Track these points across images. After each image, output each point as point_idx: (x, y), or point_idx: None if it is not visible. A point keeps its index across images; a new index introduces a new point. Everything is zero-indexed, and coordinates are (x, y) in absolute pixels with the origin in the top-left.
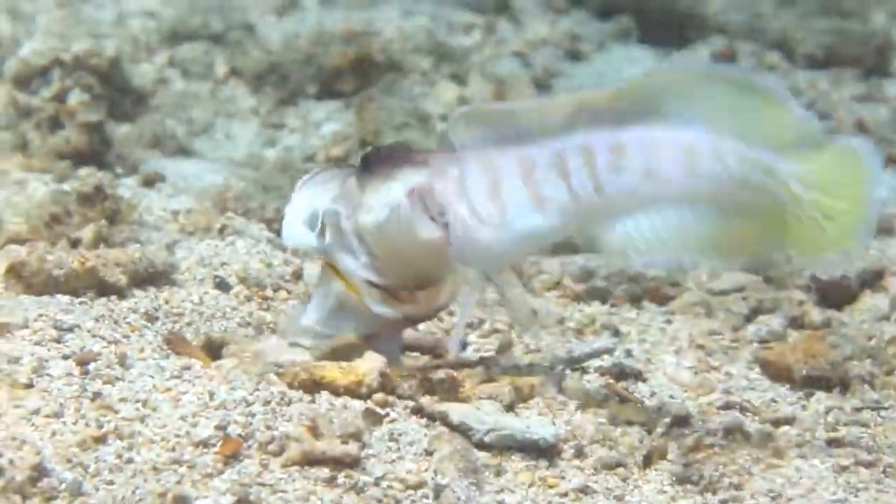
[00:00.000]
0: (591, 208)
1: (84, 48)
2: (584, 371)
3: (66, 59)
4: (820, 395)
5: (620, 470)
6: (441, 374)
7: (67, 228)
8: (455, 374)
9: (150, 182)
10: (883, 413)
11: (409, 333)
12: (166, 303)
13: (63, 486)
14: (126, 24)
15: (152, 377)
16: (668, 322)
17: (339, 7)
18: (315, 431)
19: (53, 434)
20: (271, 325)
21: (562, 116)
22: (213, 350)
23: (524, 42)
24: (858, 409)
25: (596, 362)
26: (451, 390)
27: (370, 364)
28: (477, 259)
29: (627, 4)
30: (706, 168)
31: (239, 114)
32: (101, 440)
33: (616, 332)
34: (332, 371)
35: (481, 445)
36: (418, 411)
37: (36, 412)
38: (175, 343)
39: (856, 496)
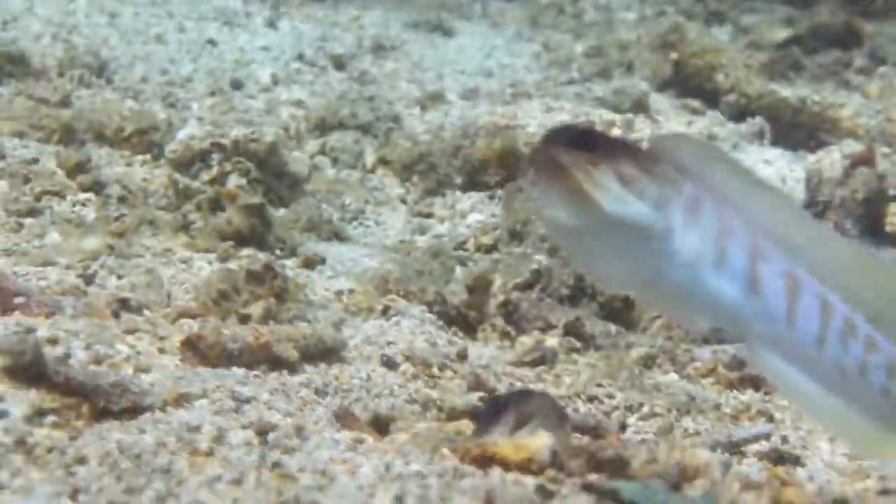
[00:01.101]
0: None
1: (243, 133)
2: (743, 455)
3: (225, 144)
4: None
5: None
6: (610, 452)
7: (235, 305)
8: (623, 452)
9: (310, 264)
10: None
11: (571, 415)
12: (336, 379)
13: None
14: (276, 113)
15: (328, 449)
16: None
17: (482, 101)
18: None
19: (235, 501)
20: (437, 403)
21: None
22: (380, 426)
23: None
24: None
25: (754, 447)
26: (619, 468)
27: (542, 441)
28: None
29: (760, 107)
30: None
31: (388, 202)
32: None
33: (771, 419)
34: (505, 447)
35: None
36: (588, 488)
37: (217, 479)
38: (344, 418)
39: None
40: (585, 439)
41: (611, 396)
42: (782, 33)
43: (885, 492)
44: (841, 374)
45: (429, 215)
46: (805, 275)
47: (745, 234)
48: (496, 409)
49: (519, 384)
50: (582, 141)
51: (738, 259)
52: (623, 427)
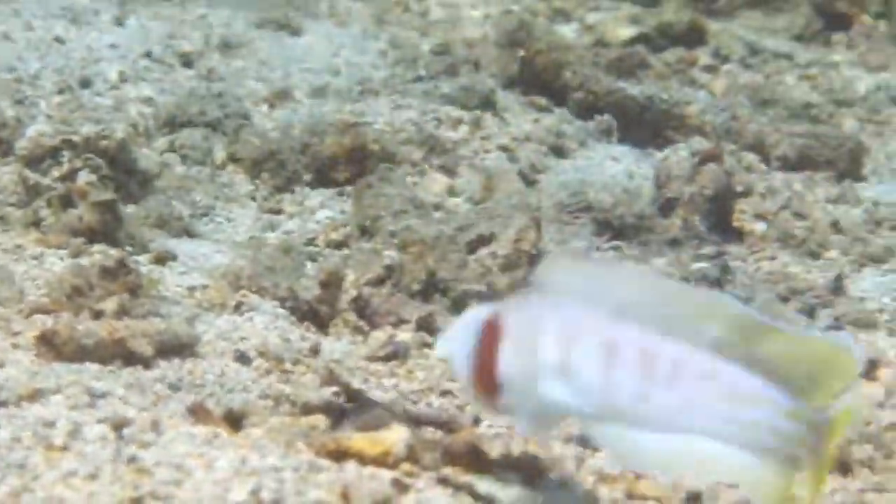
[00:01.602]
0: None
1: (94, 130)
2: (596, 449)
3: (75, 141)
4: None
5: None
6: (464, 445)
7: (89, 301)
8: (477, 446)
9: (162, 260)
10: (886, 495)
11: (423, 409)
12: (190, 374)
13: None
14: (125, 110)
15: (184, 443)
16: None
17: (330, 99)
18: (346, 498)
19: (91, 495)
20: (291, 398)
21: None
22: (234, 421)
23: (509, 137)
24: (863, 491)
25: None
26: (473, 462)
27: (397, 435)
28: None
29: (608, 105)
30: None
31: (238, 198)
32: (137, 502)
33: None
34: (360, 441)
35: None
36: (444, 481)
37: (73, 474)
38: (199, 413)
39: None
40: (439, 434)
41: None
42: (628, 31)
43: (735, 485)
44: (687, 414)
45: (278, 212)
46: (622, 334)
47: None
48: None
49: (373, 379)
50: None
51: (549, 357)
52: (477, 421)
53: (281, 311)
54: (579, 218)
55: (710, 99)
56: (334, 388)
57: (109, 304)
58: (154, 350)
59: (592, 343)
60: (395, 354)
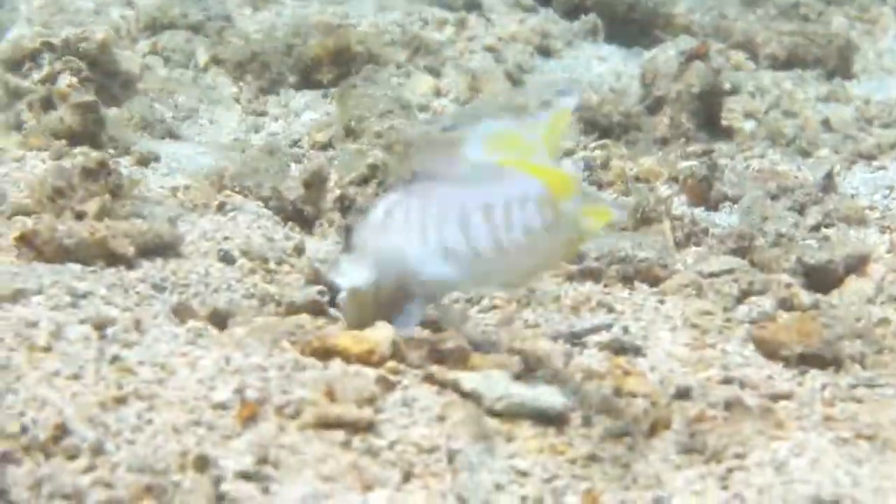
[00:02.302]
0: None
1: (74, 33)
2: (584, 346)
3: (55, 44)
4: (814, 372)
5: (626, 439)
6: (451, 343)
7: (70, 202)
8: (465, 343)
9: (144, 162)
10: (877, 390)
11: None
12: (173, 274)
13: (85, 444)
14: (106, 13)
15: (168, 343)
16: (661, 302)
17: (313, 1)
18: (331, 396)
19: (74, 395)
20: (276, 298)
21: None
22: (220, 320)
23: (495, 38)
24: (853, 386)
25: (594, 338)
26: (460, 360)
27: (382, 333)
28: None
29: (594, 4)
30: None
31: (222, 101)
32: (121, 401)
33: (611, 310)
34: (345, 339)
35: (492, 412)
36: (430, 379)
37: (56, 374)
38: (183, 313)
39: (859, 467)
40: (426, 332)
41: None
42: None
43: (727, 381)
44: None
45: (263, 114)
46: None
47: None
48: None
49: None
50: None
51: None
52: (464, 319)
53: (265, 210)
54: None
55: None
56: (319, 287)
57: (91, 206)
58: (136, 250)
59: (453, 221)
60: None
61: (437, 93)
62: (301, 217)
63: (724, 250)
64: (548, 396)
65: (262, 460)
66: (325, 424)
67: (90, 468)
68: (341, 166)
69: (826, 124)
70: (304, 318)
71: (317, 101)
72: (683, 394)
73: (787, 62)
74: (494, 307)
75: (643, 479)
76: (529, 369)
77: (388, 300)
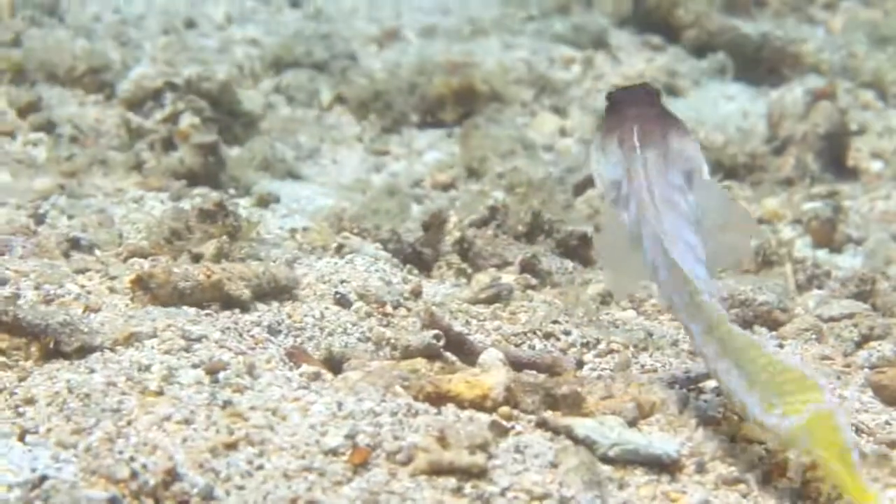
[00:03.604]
0: None
1: (196, 72)
2: (701, 391)
3: (178, 83)
4: None
5: (741, 486)
6: (565, 389)
7: (188, 244)
8: (578, 389)
9: (264, 202)
10: None
11: (526, 352)
12: (289, 317)
13: (195, 490)
14: (230, 51)
15: (280, 387)
16: (780, 346)
17: (439, 39)
18: (443, 442)
19: (185, 440)
20: (391, 341)
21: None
22: (334, 364)
23: (622, 77)
24: None
25: (712, 383)
26: (574, 405)
27: (496, 378)
28: None
29: (722, 43)
30: None
31: (344, 140)
32: (232, 447)
33: None
34: (458, 385)
35: (605, 459)
36: (543, 425)
37: (167, 419)
38: (297, 356)
39: None
40: (542, 377)
41: (567, 333)
42: None
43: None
44: None
45: (385, 153)
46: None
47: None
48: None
49: (474, 322)
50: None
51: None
52: (580, 364)
53: (383, 253)
54: None
55: (827, 36)
56: (435, 332)
57: (208, 248)
58: (252, 293)
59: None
60: (498, 296)
61: (562, 133)
62: (419, 259)
63: (846, 294)
64: (662, 443)
65: None
66: (437, 471)
67: None
68: (462, 208)
69: None
70: (419, 361)
71: (440, 141)
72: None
73: None
74: (611, 351)
75: None
76: (644, 415)
77: None
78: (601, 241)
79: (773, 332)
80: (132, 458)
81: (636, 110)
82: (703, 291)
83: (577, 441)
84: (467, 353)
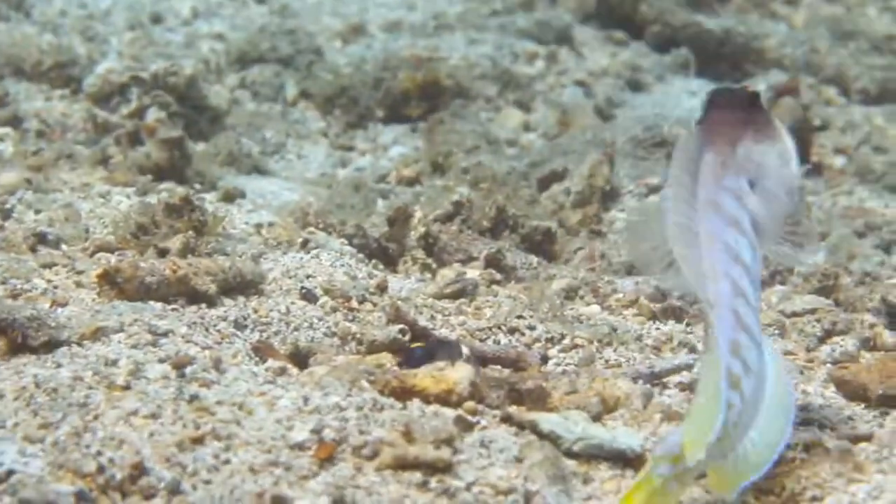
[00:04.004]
0: None
1: (162, 67)
2: (665, 386)
3: (144, 78)
4: None
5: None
6: (530, 384)
7: (154, 238)
8: (543, 384)
9: (230, 197)
10: None
11: (491, 347)
12: (255, 312)
13: (162, 484)
14: (196, 46)
15: (247, 382)
16: None
17: (404, 34)
18: (408, 436)
19: (152, 434)
20: (357, 336)
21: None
22: (300, 359)
23: (586, 72)
24: None
25: (675, 378)
26: (539, 400)
27: (461, 373)
28: None
29: (685, 38)
30: None
31: (310, 135)
32: (198, 441)
33: (693, 350)
34: (424, 379)
35: (570, 454)
36: (508, 419)
37: (134, 413)
38: (264, 351)
39: None
40: (506, 371)
41: (532, 328)
42: None
43: (806, 422)
44: None
45: (350, 148)
46: None
47: None
48: (420, 361)
49: (440, 317)
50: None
51: None
52: (545, 359)
53: (348, 248)
54: (654, 153)
55: (790, 31)
56: (400, 326)
57: (174, 243)
58: (218, 288)
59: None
60: (463, 292)
61: (526, 127)
62: (385, 254)
63: (809, 289)
64: (626, 438)
65: (339, 501)
66: (403, 465)
67: None
68: (427, 203)
69: None
70: (385, 356)
71: (405, 136)
72: None
73: (879, 97)
74: (575, 346)
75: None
76: (608, 410)
77: None
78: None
79: None
80: (99, 453)
81: (721, 113)
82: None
83: (541, 436)
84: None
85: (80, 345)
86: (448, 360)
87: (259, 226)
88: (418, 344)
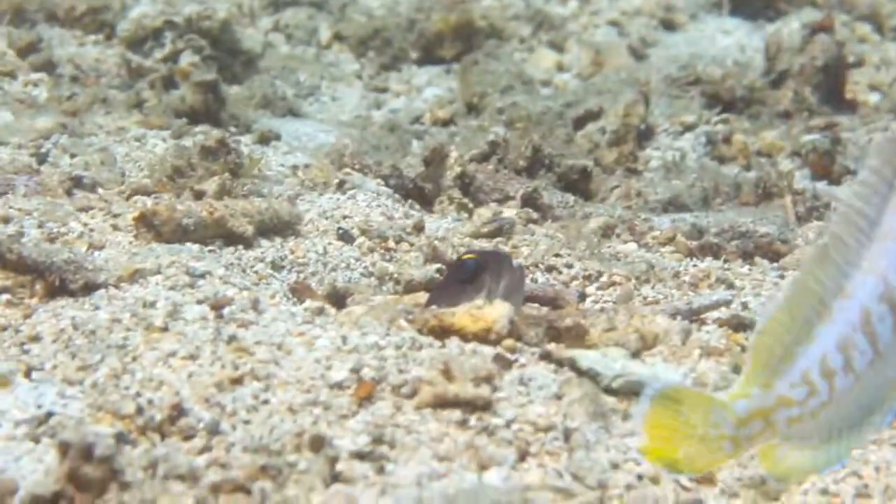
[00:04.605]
0: None
1: (196, 11)
2: (703, 322)
3: (178, 22)
4: None
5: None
6: (568, 321)
7: (190, 181)
8: (581, 321)
9: (265, 140)
10: None
11: (529, 285)
12: (292, 253)
13: (201, 425)
14: None
15: (285, 322)
16: (781, 277)
17: None
18: (447, 375)
19: (190, 375)
20: (394, 276)
21: None
22: (338, 299)
23: (619, 12)
24: None
25: (714, 314)
26: (577, 337)
27: (499, 311)
28: None
29: None
30: None
31: (343, 78)
32: (237, 381)
33: (731, 286)
34: (462, 318)
35: (609, 391)
36: (547, 357)
37: (172, 354)
38: (301, 291)
39: None
40: (545, 309)
41: (569, 266)
42: None
43: None
44: None
45: (384, 90)
46: None
47: None
48: (473, 272)
49: None
50: None
51: None
52: (582, 296)
53: (385, 188)
54: (688, 91)
55: None
56: (437, 265)
57: (210, 185)
58: (255, 229)
59: None
60: (500, 230)
61: (560, 68)
62: (421, 195)
63: None
64: (665, 374)
65: (378, 440)
66: (442, 403)
67: (206, 449)
68: (462, 143)
69: None
70: (423, 295)
71: (439, 77)
72: None
73: None
74: (613, 283)
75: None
76: (647, 346)
77: None
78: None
79: (775, 264)
80: (138, 394)
81: None
82: None
83: (580, 373)
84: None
85: (117, 287)
86: (498, 274)
87: (295, 167)
88: (470, 255)
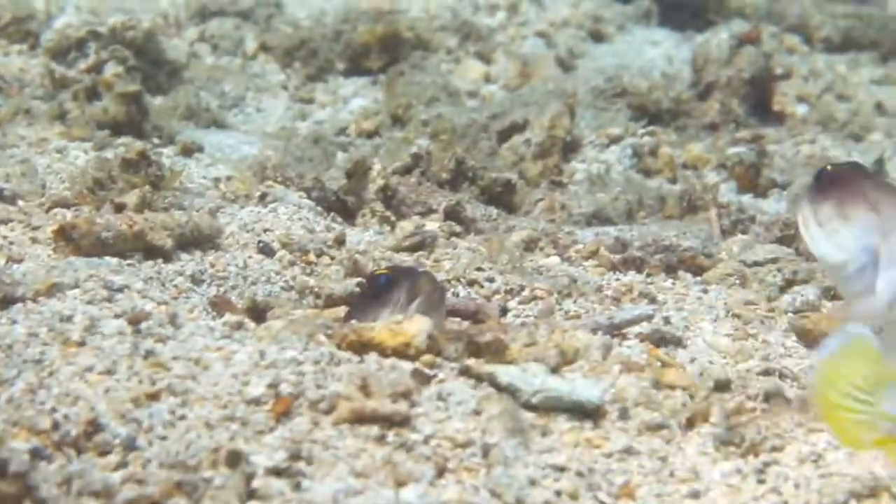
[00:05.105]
0: None
1: (120, 21)
2: (624, 337)
3: (102, 32)
4: None
5: (664, 432)
6: (488, 336)
7: (111, 193)
8: (502, 336)
9: (188, 151)
10: None
11: (450, 299)
12: (212, 266)
13: (117, 440)
14: (154, 0)
15: (203, 337)
16: (704, 291)
17: None
18: (365, 390)
19: (107, 391)
20: (315, 290)
21: None
22: (258, 313)
23: (547, 23)
24: None
25: (635, 329)
26: (497, 353)
27: (419, 326)
28: None
29: None
30: None
31: (269, 88)
32: (154, 397)
33: (653, 300)
34: (381, 333)
35: (528, 406)
36: (466, 372)
37: (89, 369)
38: (221, 306)
39: None
40: (465, 324)
41: (491, 280)
42: None
43: (766, 372)
44: None
45: (310, 101)
46: None
47: None
48: (384, 287)
49: None
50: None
51: None
52: (504, 311)
53: (307, 201)
54: (615, 103)
55: None
56: (358, 280)
57: (131, 197)
58: (175, 243)
59: None
60: (422, 244)
61: (487, 79)
62: (344, 207)
63: (771, 238)
64: (585, 389)
65: (295, 456)
66: (360, 419)
67: (122, 464)
68: (386, 155)
69: (879, 108)
70: (343, 309)
71: (366, 89)
72: (723, 386)
73: (842, 45)
74: (535, 298)
75: (680, 473)
76: (567, 361)
77: None
78: None
79: (698, 278)
80: (54, 409)
81: (867, 182)
82: None
83: (500, 388)
84: None
85: (35, 301)
86: (410, 288)
87: (217, 180)
88: (383, 270)
